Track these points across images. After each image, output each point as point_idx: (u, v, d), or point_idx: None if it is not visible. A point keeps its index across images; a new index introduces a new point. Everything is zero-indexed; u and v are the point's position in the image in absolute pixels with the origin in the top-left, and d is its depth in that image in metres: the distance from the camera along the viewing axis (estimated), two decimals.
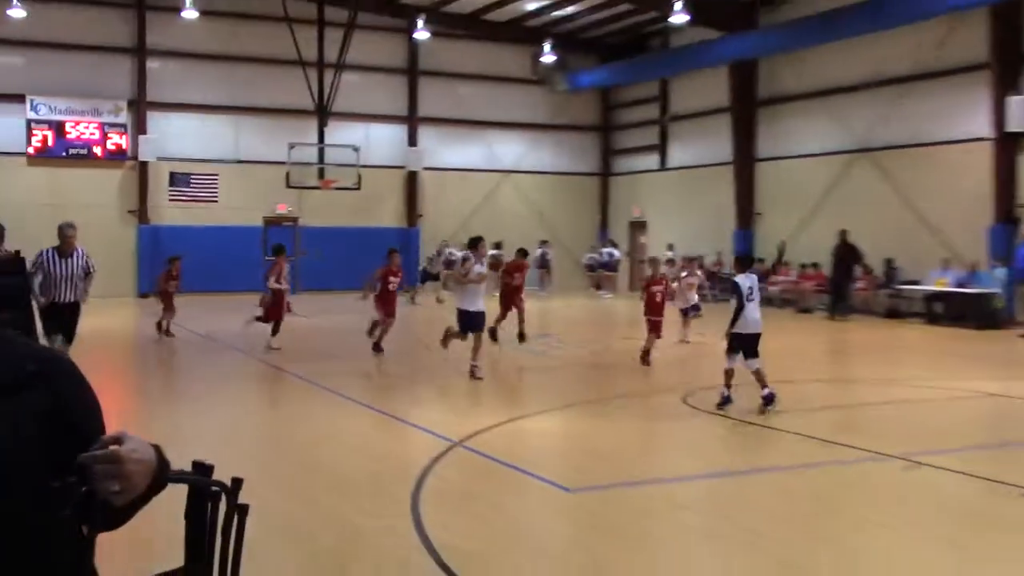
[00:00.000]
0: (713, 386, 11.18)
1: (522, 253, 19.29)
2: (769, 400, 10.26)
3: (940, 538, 6.39)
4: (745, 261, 11.43)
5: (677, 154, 33.07)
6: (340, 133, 30.75)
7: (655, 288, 14.95)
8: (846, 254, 23.60)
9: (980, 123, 22.02)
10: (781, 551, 5.98)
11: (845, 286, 23.60)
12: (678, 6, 25.71)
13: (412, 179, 32.79)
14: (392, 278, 15.59)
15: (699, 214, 31.10)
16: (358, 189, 29.34)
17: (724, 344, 10.86)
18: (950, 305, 21.68)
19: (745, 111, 28.98)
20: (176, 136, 29.71)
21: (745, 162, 29.11)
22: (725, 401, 10.56)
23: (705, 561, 5.91)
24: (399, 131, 32.86)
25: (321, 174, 29.66)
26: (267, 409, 11.19)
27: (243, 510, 2.14)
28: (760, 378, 10.35)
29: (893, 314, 23.43)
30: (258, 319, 16.32)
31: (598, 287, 32.04)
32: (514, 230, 32.89)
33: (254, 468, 8.14)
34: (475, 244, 13.92)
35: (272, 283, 16.17)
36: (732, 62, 28.43)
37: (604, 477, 7.90)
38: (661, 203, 33.38)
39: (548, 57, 32.16)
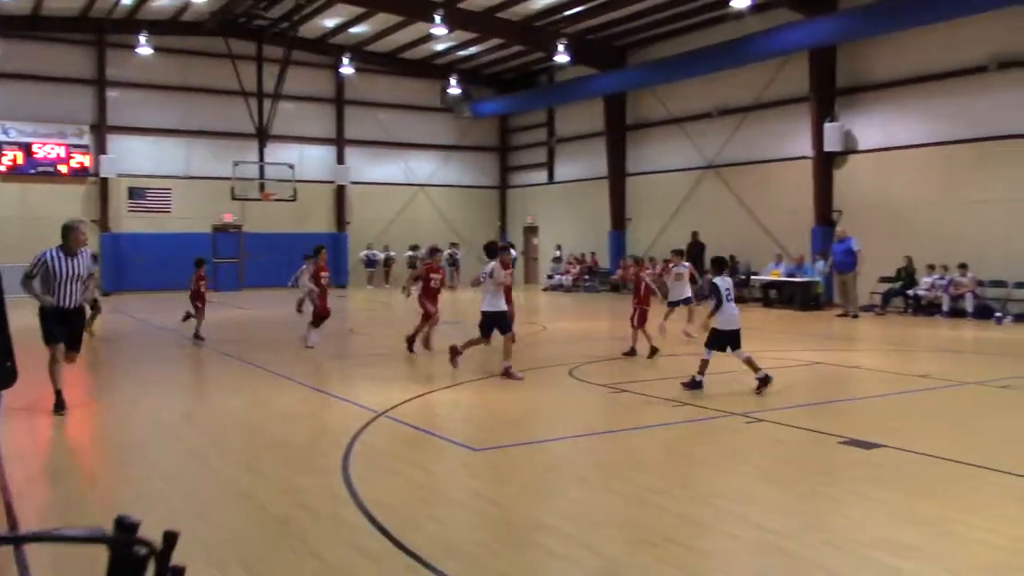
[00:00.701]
0: (594, 360, 11.26)
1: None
2: (765, 381, 9.72)
3: (774, 477, 6.55)
4: (721, 263, 10.66)
5: (562, 170, 33.31)
6: (278, 153, 30.33)
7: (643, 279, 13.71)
8: (699, 252, 24.22)
9: (804, 144, 22.71)
10: (652, 493, 6.05)
11: (698, 277, 24.13)
12: (561, 48, 25.94)
13: (340, 192, 32.34)
14: (433, 275, 13.68)
15: (581, 220, 31.42)
16: (294, 200, 29.04)
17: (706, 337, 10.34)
18: (782, 292, 22.44)
19: (617, 134, 29.35)
20: (133, 155, 28.72)
21: (617, 176, 29.48)
22: (695, 385, 9.88)
23: (591, 501, 5.94)
24: (329, 151, 32.37)
25: (262, 188, 29.30)
26: (219, 391, 10.86)
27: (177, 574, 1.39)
28: (752, 364, 9.88)
29: (738, 300, 23.91)
30: (312, 323, 14.27)
31: None
32: (428, 235, 32.95)
33: (208, 442, 7.93)
34: (498, 249, 12.04)
35: (306, 281, 14.50)
36: (605, 94, 28.76)
37: (507, 438, 7.88)
38: (550, 211, 33.59)
39: (454, 89, 32.18)
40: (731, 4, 20.31)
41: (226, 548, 5.03)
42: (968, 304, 18.82)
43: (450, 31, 25.89)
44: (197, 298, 15.68)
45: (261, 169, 29.69)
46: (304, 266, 16.59)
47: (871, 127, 21.67)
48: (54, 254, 8.65)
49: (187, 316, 15.88)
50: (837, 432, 7.81)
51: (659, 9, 24.52)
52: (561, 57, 26.34)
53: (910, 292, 20.10)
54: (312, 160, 31.63)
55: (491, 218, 35.84)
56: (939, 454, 7.03)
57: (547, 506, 5.84)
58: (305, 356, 13.48)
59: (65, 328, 8.79)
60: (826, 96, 22.12)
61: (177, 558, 1.41)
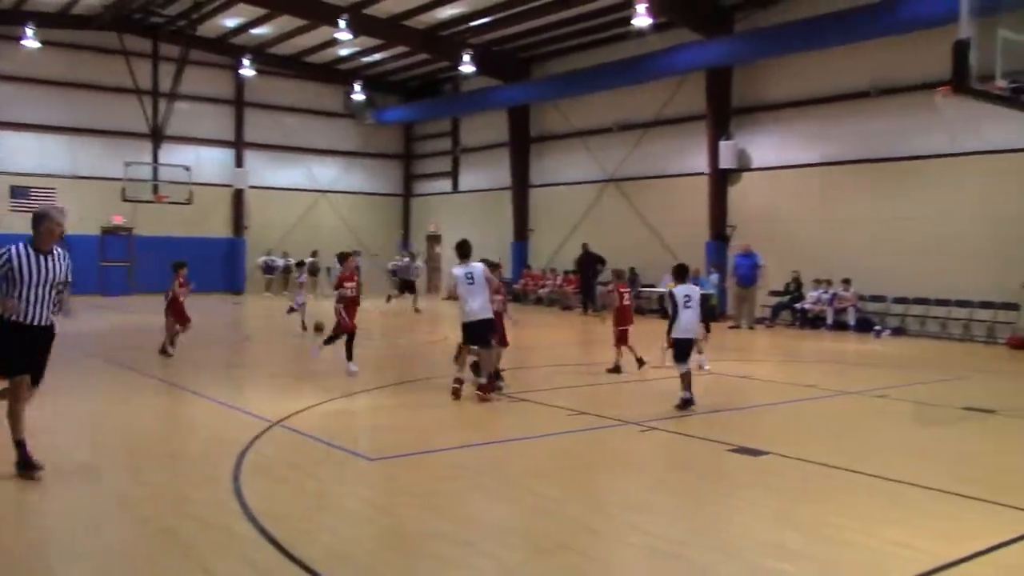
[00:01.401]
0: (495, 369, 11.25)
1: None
2: (686, 403, 9.55)
3: (667, 484, 6.72)
4: (681, 272, 10.30)
5: (466, 179, 33.39)
6: (173, 154, 29.43)
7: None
8: (588, 261, 24.74)
9: (700, 161, 23.40)
10: (549, 500, 6.11)
11: (591, 288, 24.63)
12: (466, 58, 26.04)
13: (239, 196, 31.57)
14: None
15: (484, 229, 31.42)
16: (189, 204, 28.16)
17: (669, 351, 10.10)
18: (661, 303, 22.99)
19: (520, 146, 29.61)
20: (16, 152, 27.41)
21: (521, 187, 29.73)
22: (687, 403, 9.56)
23: (488, 510, 5.96)
24: (227, 154, 31.59)
25: (155, 190, 28.23)
26: (106, 400, 10.42)
27: None
28: (687, 380, 9.74)
29: (636, 311, 24.51)
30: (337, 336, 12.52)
31: (401, 291, 31.81)
32: (330, 241, 32.48)
33: (93, 453, 7.62)
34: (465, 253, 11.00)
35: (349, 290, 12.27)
36: (510, 106, 29.00)
37: (403, 448, 7.82)
38: (453, 220, 33.57)
39: (358, 95, 31.86)
40: (633, 23, 20.78)
41: (111, 560, 4.84)
42: (851, 318, 19.71)
43: (355, 37, 25.64)
44: (173, 307, 13.61)
45: (155, 170, 28.68)
46: (302, 276, 15.50)
47: (763, 146, 22.51)
48: (22, 251, 6.54)
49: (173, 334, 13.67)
50: (728, 440, 8.05)
51: (563, 24, 24.89)
52: (466, 67, 26.44)
53: (798, 306, 20.91)
54: (209, 162, 30.78)
55: (394, 226, 35.60)
56: (821, 461, 7.34)
57: (443, 515, 5.82)
58: (199, 364, 13.08)
59: (31, 354, 6.57)
60: (722, 115, 22.85)
61: (62, 571, 1.37)
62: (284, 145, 32.49)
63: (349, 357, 12.03)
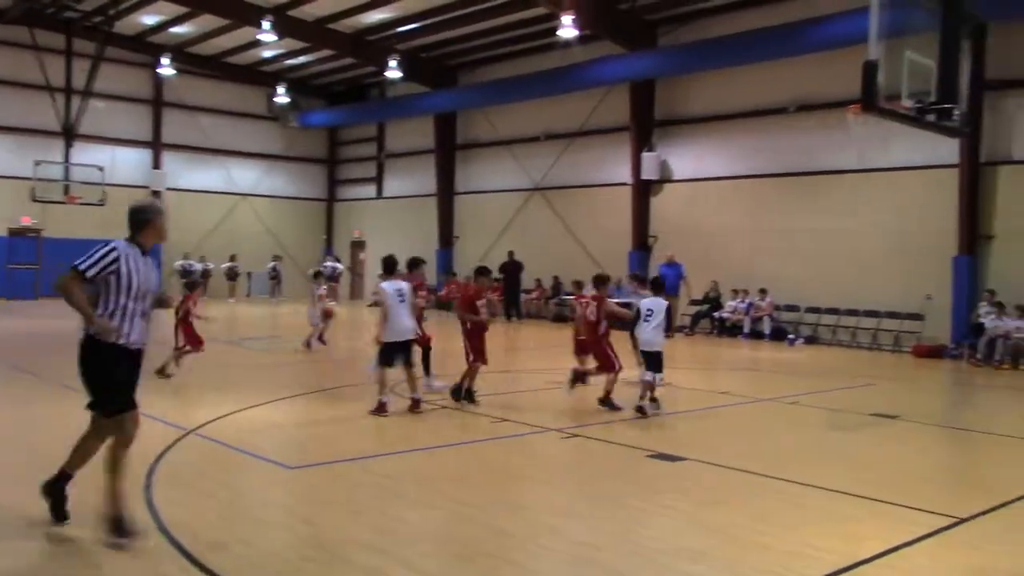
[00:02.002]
0: (418, 376, 11.19)
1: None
2: (642, 412, 9.83)
3: (587, 490, 6.80)
4: (657, 285, 10.58)
5: (391, 185, 33.21)
6: (86, 154, 28.48)
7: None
8: (513, 269, 24.87)
9: (624, 172, 23.77)
10: (469, 507, 6.12)
11: (515, 296, 24.75)
12: (393, 64, 25.95)
13: (156, 198, 30.66)
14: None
15: (409, 236, 31.29)
16: (103, 205, 27.19)
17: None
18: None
19: (447, 153, 29.60)
20: None
21: (446, 194, 29.72)
22: (642, 411, 9.86)
23: (409, 517, 5.94)
24: (144, 154, 30.74)
25: (66, 190, 27.27)
26: (5, 406, 10.02)
27: None
28: (648, 389, 9.99)
29: (559, 319, 24.75)
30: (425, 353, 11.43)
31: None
32: (249, 246, 32.00)
33: None
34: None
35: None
36: (436, 112, 28.98)
37: (323, 456, 7.74)
38: (378, 226, 33.34)
39: (282, 98, 31.40)
40: (559, 34, 21.02)
41: None
42: (766, 327, 20.28)
43: (279, 38, 25.28)
44: (184, 327, 12.61)
45: (66, 170, 27.72)
46: (321, 288, 14.69)
47: (685, 158, 23.00)
48: (130, 250, 5.37)
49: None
50: (646, 446, 8.20)
51: (491, 33, 25.01)
52: (393, 72, 26.34)
53: (716, 314, 21.40)
54: (125, 163, 29.89)
55: (317, 231, 35.17)
56: (735, 466, 7.53)
57: (363, 523, 5.78)
58: None
59: (135, 380, 5.44)
60: (645, 127, 23.27)
61: None
62: (204, 147, 31.78)
63: (427, 371, 11.34)
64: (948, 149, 17.08)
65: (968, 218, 17.44)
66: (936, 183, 17.87)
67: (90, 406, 5.42)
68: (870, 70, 8.45)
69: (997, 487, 7.10)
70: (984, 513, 6.20)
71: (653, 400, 10.19)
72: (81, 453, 5.54)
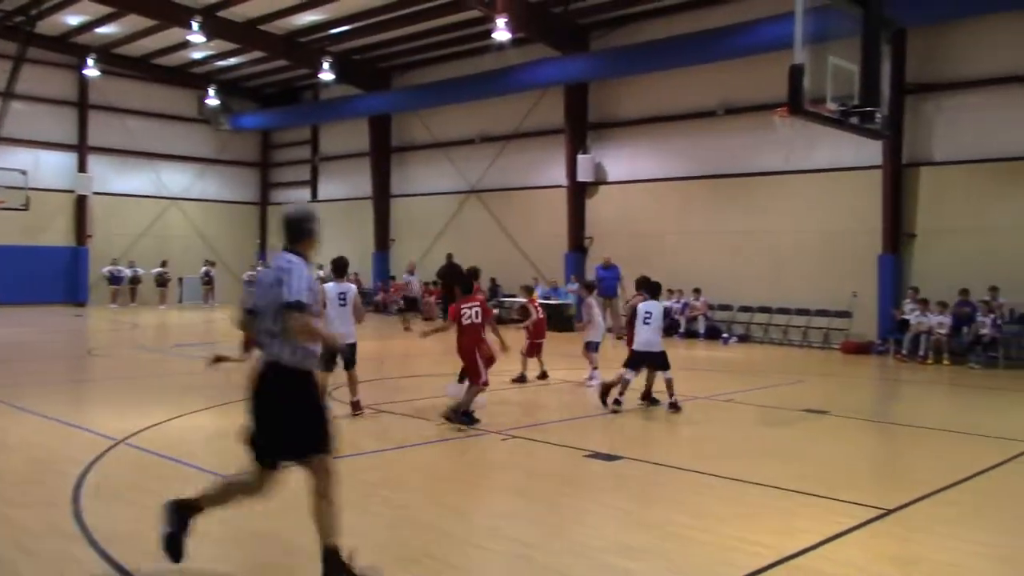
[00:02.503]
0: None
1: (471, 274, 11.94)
2: (674, 407, 10.25)
3: (525, 490, 6.82)
4: (653, 288, 10.77)
5: (326, 188, 32.84)
6: (8, 157, 27.51)
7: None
8: (451, 272, 24.68)
9: (559, 174, 23.92)
10: (409, 510, 6.08)
11: (453, 298, 24.51)
12: (326, 66, 25.69)
13: (82, 202, 29.78)
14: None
15: (345, 240, 30.89)
16: (26, 210, 26.33)
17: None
18: (526, 314, 23.27)
19: (382, 156, 29.40)
20: None
21: (382, 198, 29.52)
22: (616, 403, 10.25)
23: (349, 522, 5.83)
24: (69, 158, 29.77)
25: None
26: None
27: None
28: (625, 386, 10.33)
29: (498, 321, 24.73)
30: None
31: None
32: (181, 251, 31.35)
33: None
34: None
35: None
36: (371, 115, 28.76)
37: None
38: None
39: (212, 100, 30.77)
40: (493, 36, 21.06)
41: None
42: (700, 326, 20.61)
43: (208, 40, 24.77)
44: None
45: None
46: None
47: (618, 160, 23.25)
48: (306, 269, 4.76)
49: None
50: (584, 446, 8.26)
51: (424, 35, 24.92)
52: (326, 75, 26.05)
53: None
54: (49, 167, 28.95)
55: (251, 235, 34.55)
56: (670, 463, 7.64)
57: (302, 530, 5.68)
58: (36, 380, 12.26)
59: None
60: (579, 129, 23.46)
61: None
62: (132, 150, 30.94)
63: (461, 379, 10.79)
64: (872, 151, 17.61)
65: (892, 218, 18.00)
66: (861, 184, 18.40)
67: (314, 449, 4.69)
68: (796, 74, 8.66)
69: (923, 479, 7.33)
70: (911, 504, 6.39)
71: (654, 401, 10.68)
72: (327, 512, 4.78)
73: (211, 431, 9.21)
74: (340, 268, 9.89)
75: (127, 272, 29.56)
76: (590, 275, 21.31)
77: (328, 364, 9.42)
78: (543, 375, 13.01)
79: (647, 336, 10.48)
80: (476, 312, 9.74)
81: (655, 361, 10.56)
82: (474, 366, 9.53)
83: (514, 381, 12.64)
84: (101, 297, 29.19)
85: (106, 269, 29.23)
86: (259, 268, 30.63)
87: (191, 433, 8.92)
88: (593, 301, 13.38)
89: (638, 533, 5.67)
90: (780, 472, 7.33)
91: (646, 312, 10.53)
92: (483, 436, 8.84)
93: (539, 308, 13.41)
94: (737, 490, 6.81)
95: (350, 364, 9.80)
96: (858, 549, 5.41)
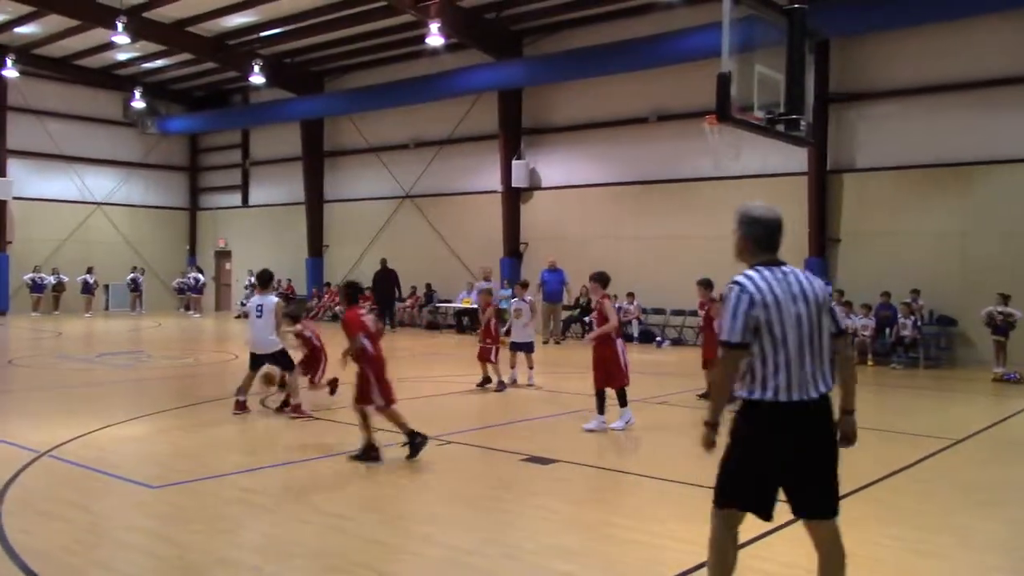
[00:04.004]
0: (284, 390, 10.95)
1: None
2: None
3: (460, 496, 6.82)
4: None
5: (258, 193, 32.34)
6: None
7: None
8: (386, 278, 24.59)
9: (494, 179, 23.99)
10: (341, 519, 6.03)
11: (389, 304, 24.44)
12: (256, 69, 25.31)
13: (1, 207, 28.71)
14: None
15: (278, 245, 30.62)
16: None
17: None
18: (473, 319, 23.32)
19: (314, 160, 29.09)
20: None
21: (315, 202, 29.20)
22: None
23: (279, 533, 5.79)
24: None
25: None
26: None
27: None
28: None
29: (433, 326, 24.77)
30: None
31: (187, 308, 30.30)
32: (107, 257, 30.54)
33: None
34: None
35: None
36: (303, 119, 28.43)
37: (188, 473, 7.44)
38: (244, 235, 32.41)
39: (138, 103, 30.00)
40: (427, 41, 21.03)
41: None
42: (635, 330, 20.86)
43: (133, 41, 24.13)
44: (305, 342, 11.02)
45: None
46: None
47: (553, 166, 23.43)
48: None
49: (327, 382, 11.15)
50: (520, 450, 8.30)
51: (357, 39, 24.75)
52: (256, 78, 25.65)
53: (586, 319, 21.82)
54: None
55: (179, 241, 33.82)
56: (605, 466, 7.73)
57: (232, 541, 5.61)
58: None
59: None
60: (513, 135, 23.57)
61: None
62: (54, 154, 29.97)
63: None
64: (798, 158, 18.09)
65: (817, 223, 18.51)
66: (788, 190, 18.86)
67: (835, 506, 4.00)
68: (723, 82, 8.85)
69: (846, 476, 7.54)
70: (840, 499, 6.57)
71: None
72: None
73: (139, 440, 9.00)
74: (264, 281, 10.66)
75: (50, 279, 28.62)
76: (529, 279, 21.31)
77: (252, 366, 10.30)
78: (488, 381, 12.88)
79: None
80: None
81: None
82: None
83: (479, 385, 12.77)
84: (22, 305, 28.20)
85: (27, 276, 28.25)
86: (190, 274, 30.09)
87: (117, 444, 8.69)
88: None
89: (574, 535, 5.73)
90: (714, 472, 7.46)
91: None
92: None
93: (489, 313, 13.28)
94: (673, 491, 6.93)
95: (286, 368, 10.41)
96: (786, 546, 5.54)
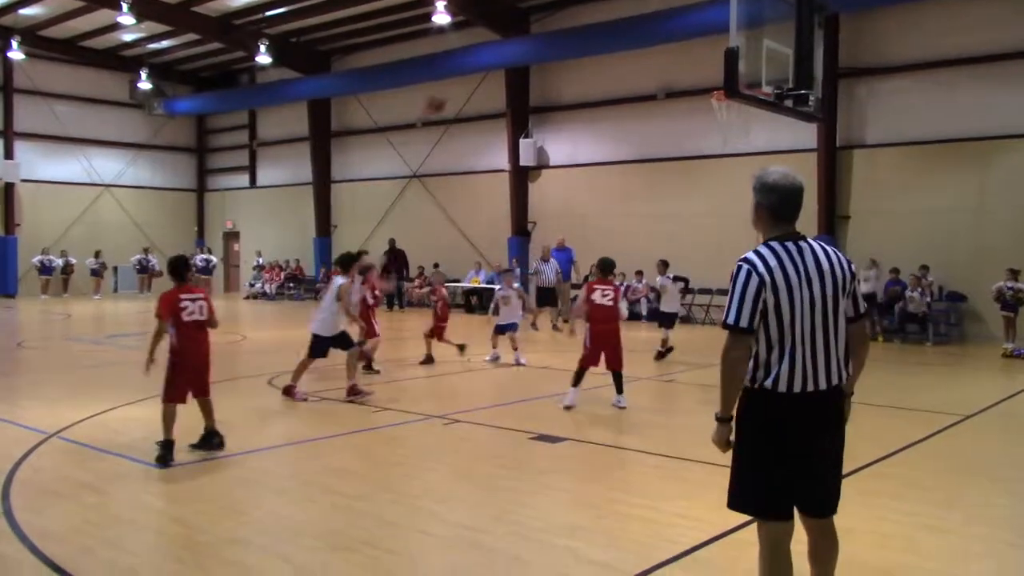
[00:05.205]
0: (291, 370, 10.95)
1: (364, 267, 12.13)
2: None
3: (468, 475, 6.83)
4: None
5: (265, 174, 32.30)
6: None
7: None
8: (394, 258, 24.64)
9: (501, 158, 23.89)
10: (350, 499, 6.04)
11: (399, 284, 24.45)
12: (262, 49, 25.21)
13: (9, 190, 28.81)
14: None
15: (286, 226, 30.65)
16: None
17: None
18: (482, 298, 23.35)
19: (322, 140, 29.01)
20: None
21: (323, 183, 29.15)
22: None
23: (288, 512, 5.81)
24: None
25: None
26: None
27: None
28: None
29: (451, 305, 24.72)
30: None
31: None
32: (114, 239, 30.58)
33: None
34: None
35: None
36: (310, 99, 28.32)
37: (196, 454, 7.45)
38: (252, 216, 32.43)
39: (145, 84, 29.92)
40: (433, 19, 20.88)
41: None
42: (643, 308, 20.81)
43: (138, 22, 24.07)
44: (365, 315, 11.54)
45: None
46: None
47: (560, 144, 23.31)
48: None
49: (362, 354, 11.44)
50: (528, 429, 8.30)
51: (363, 18, 24.59)
52: (263, 58, 25.56)
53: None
54: None
55: (188, 222, 33.87)
56: (613, 444, 7.72)
57: (240, 521, 5.63)
58: None
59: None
60: (521, 113, 23.43)
61: None
62: (61, 136, 29.96)
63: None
64: (807, 134, 17.93)
65: (826, 199, 18.39)
66: (797, 167, 18.04)
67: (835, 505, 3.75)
68: (731, 57, 8.77)
69: (855, 453, 7.34)
70: (844, 477, 6.53)
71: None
72: None
73: (147, 421, 9.01)
74: (345, 263, 10.47)
75: (58, 262, 28.72)
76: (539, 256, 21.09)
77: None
78: (430, 359, 13.11)
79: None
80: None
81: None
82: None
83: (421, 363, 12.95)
84: (32, 288, 28.33)
85: (36, 259, 28.35)
86: (199, 256, 30.11)
87: (126, 425, 8.72)
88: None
89: (581, 512, 5.72)
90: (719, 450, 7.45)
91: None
92: (425, 421, 8.83)
93: (442, 295, 13.65)
94: (679, 468, 6.92)
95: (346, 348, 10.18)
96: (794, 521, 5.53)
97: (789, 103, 9.67)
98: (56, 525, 5.40)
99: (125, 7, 22.33)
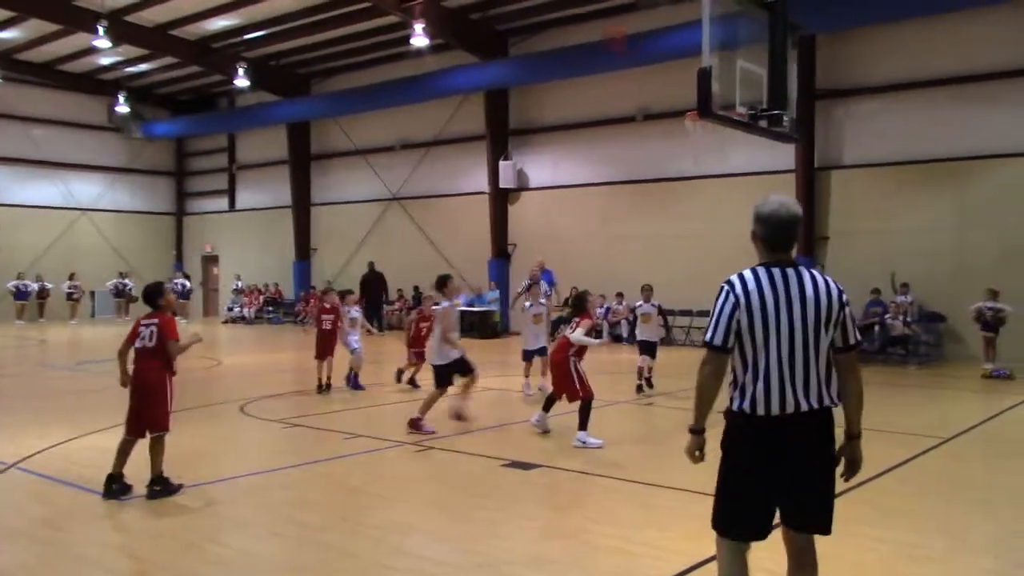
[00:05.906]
0: (271, 394, 10.77)
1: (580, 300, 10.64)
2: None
3: (438, 504, 6.64)
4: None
5: (244, 197, 32.12)
6: None
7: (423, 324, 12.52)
8: (374, 281, 24.46)
9: (481, 180, 23.83)
10: (313, 530, 5.85)
11: (378, 306, 24.30)
12: (241, 72, 25.12)
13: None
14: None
15: (265, 249, 30.44)
16: None
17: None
18: (462, 321, 23.09)
19: (301, 163, 28.91)
20: None
21: (302, 206, 29.02)
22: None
23: (250, 546, 5.60)
24: None
25: None
26: None
27: None
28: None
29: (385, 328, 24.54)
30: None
31: (174, 314, 29.98)
32: (93, 263, 30.25)
33: None
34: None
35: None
36: (289, 122, 28.24)
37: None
38: (231, 240, 32.20)
39: (123, 107, 29.73)
40: (412, 42, 20.86)
41: None
42: (624, 330, 20.70)
43: (115, 45, 23.91)
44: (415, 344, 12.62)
45: None
46: (353, 311, 12.70)
47: (541, 166, 23.27)
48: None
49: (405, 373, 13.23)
50: (501, 456, 8.13)
51: (342, 41, 24.56)
52: (241, 81, 25.47)
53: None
54: None
55: (166, 246, 33.59)
56: (587, 470, 7.55)
57: (197, 556, 5.42)
58: None
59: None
60: (500, 135, 23.41)
61: None
62: (38, 159, 29.72)
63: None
64: (785, 155, 17.96)
65: (805, 221, 18.30)
66: (775, 188, 18.45)
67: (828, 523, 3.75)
68: (704, 77, 8.72)
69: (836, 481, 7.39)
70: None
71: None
72: None
73: (110, 451, 8.78)
74: (440, 284, 9.71)
75: (34, 286, 28.35)
76: (517, 280, 21.06)
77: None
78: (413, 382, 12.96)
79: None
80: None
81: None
82: None
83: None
84: (7, 313, 27.93)
85: (11, 284, 27.98)
86: (176, 280, 29.79)
87: (89, 455, 8.46)
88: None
89: (550, 543, 5.55)
90: (695, 477, 7.27)
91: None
92: (397, 448, 8.64)
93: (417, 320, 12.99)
94: (651, 495, 6.77)
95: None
96: (768, 551, 5.37)
97: (763, 123, 9.62)
98: (9, 562, 5.18)
99: (101, 31, 22.18)
